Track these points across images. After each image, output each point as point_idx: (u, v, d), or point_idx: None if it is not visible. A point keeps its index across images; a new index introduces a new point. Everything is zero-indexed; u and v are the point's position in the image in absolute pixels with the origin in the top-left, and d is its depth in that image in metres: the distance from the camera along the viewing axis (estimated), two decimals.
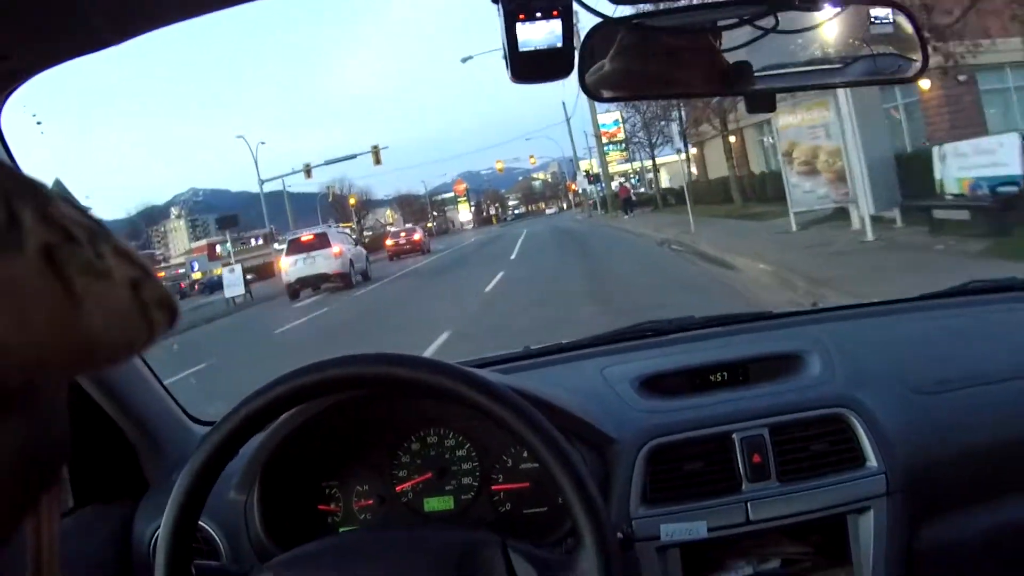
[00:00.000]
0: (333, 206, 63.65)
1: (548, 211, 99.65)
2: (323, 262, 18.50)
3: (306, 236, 19.36)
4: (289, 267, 18.88)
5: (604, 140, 35.23)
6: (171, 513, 0.81)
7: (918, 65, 0.91)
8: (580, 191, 47.05)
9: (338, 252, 18.76)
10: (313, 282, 18.86)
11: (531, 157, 55.00)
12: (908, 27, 0.91)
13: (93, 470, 1.23)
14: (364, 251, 22.96)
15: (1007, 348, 1.29)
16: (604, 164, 33.93)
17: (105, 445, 1.24)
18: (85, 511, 1.21)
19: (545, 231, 32.79)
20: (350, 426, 1.19)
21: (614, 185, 34.63)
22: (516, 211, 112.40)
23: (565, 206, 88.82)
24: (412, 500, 1.20)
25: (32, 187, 0.26)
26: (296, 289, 18.91)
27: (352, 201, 55.27)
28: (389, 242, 35.25)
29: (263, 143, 40.84)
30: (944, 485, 1.16)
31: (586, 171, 46.59)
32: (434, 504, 1.20)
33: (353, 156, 37.22)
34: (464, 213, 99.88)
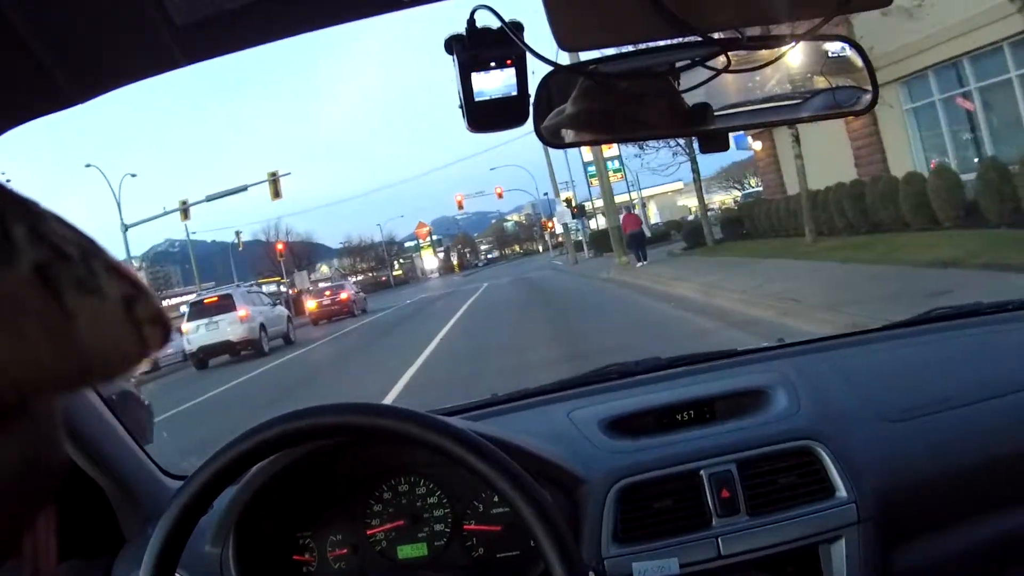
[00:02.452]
0: (269, 256, 53.46)
1: (520, 255, 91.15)
2: (228, 327, 16.57)
3: (209, 298, 17.77)
4: (191, 333, 16.90)
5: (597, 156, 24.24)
6: (147, 567, 0.85)
7: (869, 97, 0.93)
8: (562, 226, 36.15)
9: (244, 315, 16.75)
10: (219, 350, 16.93)
11: (497, 189, 44.79)
12: (859, 61, 0.93)
13: (71, 526, 1.25)
14: (286, 312, 20.23)
15: (973, 372, 1.30)
16: (605, 180, 22.61)
17: (82, 500, 1.25)
18: (64, 566, 1.22)
19: (510, 290, 23.07)
20: (322, 477, 1.21)
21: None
22: (489, 255, 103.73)
23: (541, 248, 78.98)
24: (386, 548, 1.22)
25: (24, 204, 0.26)
26: (201, 358, 16.96)
27: (280, 247, 44.56)
28: (311, 304, 28.02)
29: (134, 175, 30.33)
30: (915, 510, 1.17)
31: (567, 200, 35.84)
32: (408, 551, 1.21)
33: (244, 188, 26.63)
34: (429, 259, 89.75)
